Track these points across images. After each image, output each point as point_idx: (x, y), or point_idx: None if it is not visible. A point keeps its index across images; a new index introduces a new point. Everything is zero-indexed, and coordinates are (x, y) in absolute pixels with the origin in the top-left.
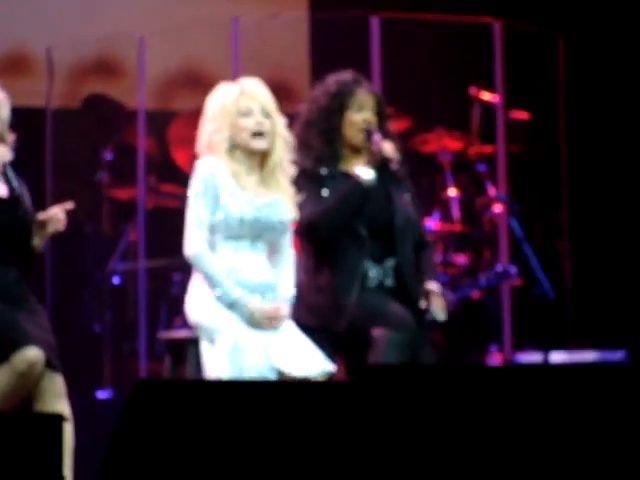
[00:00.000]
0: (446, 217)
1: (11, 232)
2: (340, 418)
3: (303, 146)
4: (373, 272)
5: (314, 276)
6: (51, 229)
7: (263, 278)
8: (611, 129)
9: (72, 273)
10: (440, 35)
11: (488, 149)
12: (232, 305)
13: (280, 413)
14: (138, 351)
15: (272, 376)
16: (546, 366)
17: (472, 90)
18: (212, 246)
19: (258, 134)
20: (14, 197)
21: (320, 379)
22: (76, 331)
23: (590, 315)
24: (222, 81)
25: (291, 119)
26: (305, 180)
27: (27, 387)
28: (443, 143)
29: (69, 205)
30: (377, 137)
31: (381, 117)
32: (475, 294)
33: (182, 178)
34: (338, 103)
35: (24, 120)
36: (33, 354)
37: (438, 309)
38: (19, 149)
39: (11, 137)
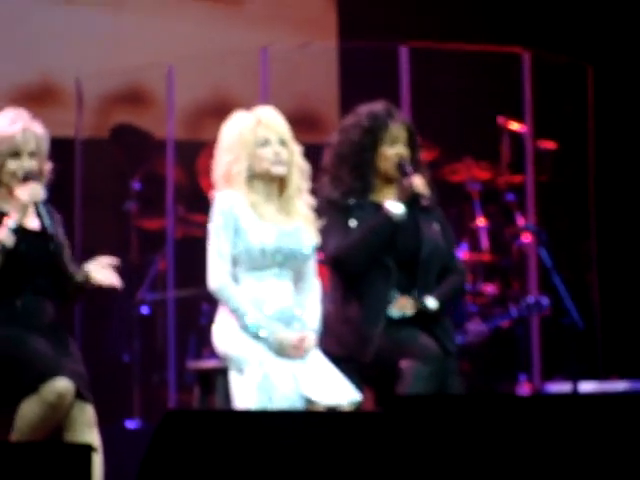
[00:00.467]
0: (475, 247)
1: (43, 264)
2: (370, 449)
3: (333, 179)
4: None
5: (341, 307)
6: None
7: (289, 307)
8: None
9: (101, 303)
10: (469, 65)
11: (517, 179)
12: (258, 336)
13: (309, 444)
14: (167, 381)
15: (301, 405)
16: (575, 396)
17: (501, 120)
18: (235, 278)
19: (278, 162)
20: (45, 231)
21: (348, 408)
22: (105, 361)
23: (619, 344)
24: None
25: (320, 149)
26: (332, 210)
27: (56, 418)
28: (472, 173)
29: (113, 261)
30: (409, 171)
31: (413, 148)
32: (504, 324)
33: (211, 208)
34: (371, 138)
35: (53, 150)
36: (63, 385)
37: (397, 306)
38: (48, 179)
39: (48, 166)
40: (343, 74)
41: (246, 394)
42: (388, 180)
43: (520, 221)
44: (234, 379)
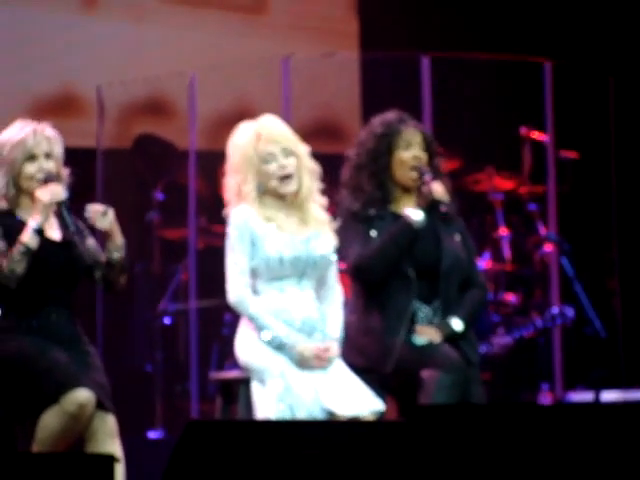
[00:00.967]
0: (497, 256)
1: (64, 274)
2: (392, 459)
3: (353, 190)
4: (422, 312)
5: (363, 317)
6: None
7: (311, 317)
8: None
9: (123, 313)
10: (491, 75)
11: (539, 189)
12: (280, 347)
13: (331, 454)
14: (189, 391)
15: (322, 417)
16: (597, 405)
17: (522, 130)
18: (255, 290)
19: (285, 177)
20: (68, 240)
21: (370, 418)
22: (127, 371)
23: None
24: None
25: (341, 159)
26: (353, 221)
27: (77, 429)
28: (494, 183)
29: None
30: (428, 177)
31: (430, 154)
32: (528, 334)
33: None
34: (385, 143)
35: (74, 160)
36: (83, 395)
37: (422, 334)
38: (70, 189)
39: (66, 172)
40: (365, 84)
41: (267, 405)
42: (407, 189)
43: (542, 231)
44: (256, 390)
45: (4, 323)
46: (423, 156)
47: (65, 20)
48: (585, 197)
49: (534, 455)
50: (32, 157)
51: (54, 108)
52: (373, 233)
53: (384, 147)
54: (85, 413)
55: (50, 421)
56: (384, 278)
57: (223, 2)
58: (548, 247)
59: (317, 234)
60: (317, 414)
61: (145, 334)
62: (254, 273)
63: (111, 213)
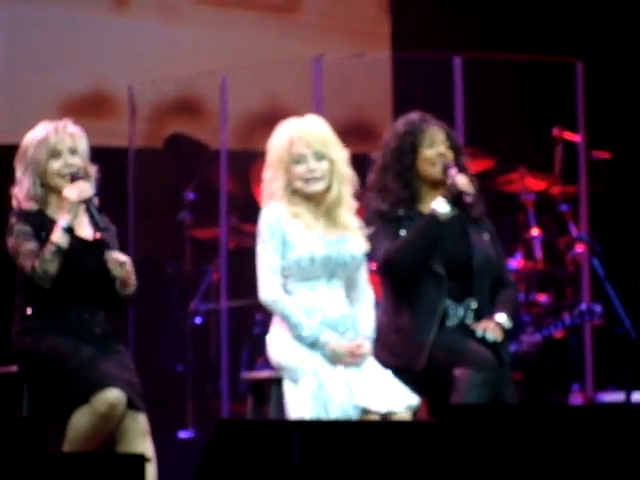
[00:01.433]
0: (529, 256)
1: (98, 275)
2: (424, 458)
3: (380, 190)
4: (454, 311)
5: (393, 316)
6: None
7: (342, 315)
8: None
9: (154, 313)
10: (522, 75)
11: (570, 189)
12: (313, 344)
13: (364, 453)
14: (220, 391)
15: (356, 414)
16: (628, 405)
17: (555, 130)
18: (286, 290)
19: (311, 179)
20: (100, 239)
21: (404, 414)
22: (158, 371)
23: None
24: None
25: (371, 161)
26: (382, 222)
27: (108, 428)
28: (526, 183)
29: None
30: (453, 171)
31: (455, 151)
32: (558, 334)
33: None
34: (409, 142)
35: (106, 160)
36: (114, 395)
37: (489, 329)
38: (101, 189)
39: (94, 169)
40: (396, 84)
41: (301, 404)
42: (433, 187)
43: (574, 231)
44: (288, 389)
45: (35, 322)
46: (448, 153)
47: (97, 20)
48: (617, 198)
49: (565, 455)
50: (56, 154)
51: (86, 108)
52: (402, 233)
53: (408, 145)
54: (116, 413)
55: (81, 421)
56: (412, 272)
57: (255, 2)
58: (579, 248)
59: (347, 236)
60: (350, 412)
61: (176, 334)
62: (285, 273)
63: (129, 263)
